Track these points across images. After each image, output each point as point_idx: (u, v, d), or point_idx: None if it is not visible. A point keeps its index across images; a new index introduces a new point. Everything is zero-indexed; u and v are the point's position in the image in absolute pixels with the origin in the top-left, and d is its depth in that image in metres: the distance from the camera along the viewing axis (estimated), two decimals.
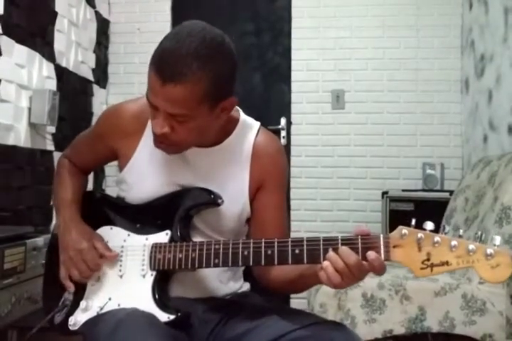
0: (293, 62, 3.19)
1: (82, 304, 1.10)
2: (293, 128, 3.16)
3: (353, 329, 1.25)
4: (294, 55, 3.19)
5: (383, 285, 1.88)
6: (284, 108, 3.18)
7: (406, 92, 3.10)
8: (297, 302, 2.87)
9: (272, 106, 3.21)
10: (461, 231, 0.88)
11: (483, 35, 2.75)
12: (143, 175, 1.15)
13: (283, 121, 3.14)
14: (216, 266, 1.01)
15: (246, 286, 1.26)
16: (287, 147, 3.09)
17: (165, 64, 0.95)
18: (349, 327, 1.03)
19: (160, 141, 1.05)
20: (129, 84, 3.07)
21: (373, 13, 3.14)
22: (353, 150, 3.11)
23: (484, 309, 1.82)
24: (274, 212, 1.15)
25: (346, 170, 3.10)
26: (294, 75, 3.18)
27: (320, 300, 1.90)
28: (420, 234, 0.87)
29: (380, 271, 0.89)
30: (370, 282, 1.90)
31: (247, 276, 1.27)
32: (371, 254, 0.88)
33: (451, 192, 2.57)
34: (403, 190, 2.88)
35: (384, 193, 2.84)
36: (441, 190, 2.82)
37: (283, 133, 3.13)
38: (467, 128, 2.98)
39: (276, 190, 1.16)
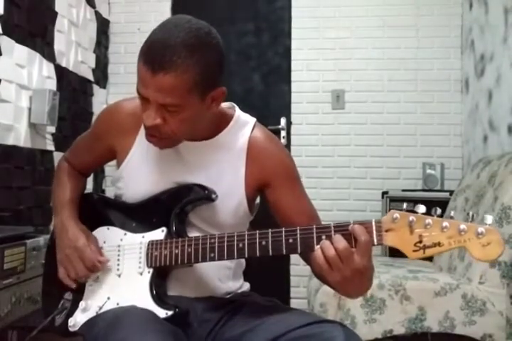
0: (293, 62, 3.19)
1: (82, 304, 1.11)
2: (293, 128, 3.16)
3: (353, 329, 1.25)
4: (294, 55, 3.19)
5: (383, 285, 1.88)
6: (284, 108, 3.18)
7: (406, 92, 3.10)
8: (297, 302, 2.87)
9: (272, 106, 3.21)
10: (452, 213, 0.88)
11: (483, 35, 2.75)
12: (139, 171, 1.16)
13: (283, 121, 3.14)
14: (212, 259, 1.02)
15: (246, 286, 1.26)
16: (287, 147, 3.09)
17: (154, 54, 0.97)
18: (349, 327, 1.03)
19: (151, 134, 1.05)
20: (129, 84, 3.06)
21: (373, 13, 3.14)
22: (353, 150, 3.11)
23: (484, 309, 1.82)
24: (297, 205, 1.14)
25: (346, 170, 3.10)
26: (294, 75, 3.18)
27: (320, 300, 1.90)
28: (412, 217, 0.87)
29: (365, 245, 0.88)
30: None
31: (247, 276, 1.27)
32: (355, 226, 0.89)
33: (451, 192, 2.58)
34: (403, 190, 2.88)
35: (384, 193, 2.84)
36: (442, 190, 2.82)
37: (283, 133, 3.13)
38: (467, 128, 2.98)
39: (290, 185, 1.15)
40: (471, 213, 0.86)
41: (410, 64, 3.10)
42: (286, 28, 3.21)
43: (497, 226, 1.84)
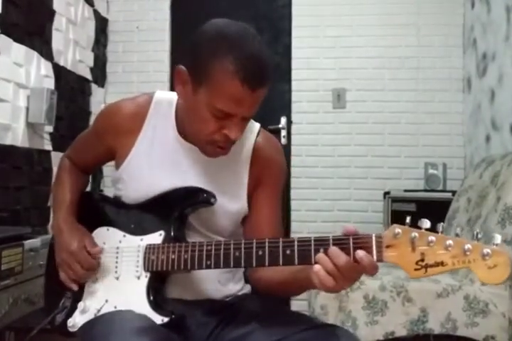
0: (293, 61, 3.17)
1: (80, 306, 1.11)
2: (293, 127, 3.15)
3: (355, 331, 1.24)
4: (295, 53, 3.17)
5: (385, 286, 1.87)
6: (285, 107, 3.17)
7: (407, 91, 3.08)
8: (298, 304, 2.85)
9: (273, 105, 3.19)
10: (458, 230, 0.85)
11: (485, 34, 2.74)
12: (139, 173, 1.15)
13: (283, 120, 3.13)
14: (208, 267, 1.00)
15: (247, 288, 1.24)
16: (287, 146, 3.08)
17: (253, 71, 0.97)
18: (350, 329, 1.02)
19: (228, 147, 1.07)
20: (127, 83, 3.05)
21: (374, 12, 3.12)
22: (353, 149, 3.09)
23: (487, 310, 1.81)
24: (269, 211, 1.16)
25: (347, 170, 3.09)
26: (295, 74, 3.17)
27: (321, 302, 1.89)
28: (414, 233, 0.83)
29: (371, 270, 0.86)
30: (371, 284, 1.89)
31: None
32: (359, 253, 0.85)
33: (453, 193, 2.56)
34: (405, 191, 2.86)
35: (386, 193, 2.82)
36: (444, 190, 2.80)
37: (283, 133, 3.11)
38: (469, 127, 2.97)
39: (272, 189, 1.17)
40: (476, 231, 0.82)
41: (412, 63, 3.08)
42: (286, 27, 3.20)
43: (500, 227, 1.83)
